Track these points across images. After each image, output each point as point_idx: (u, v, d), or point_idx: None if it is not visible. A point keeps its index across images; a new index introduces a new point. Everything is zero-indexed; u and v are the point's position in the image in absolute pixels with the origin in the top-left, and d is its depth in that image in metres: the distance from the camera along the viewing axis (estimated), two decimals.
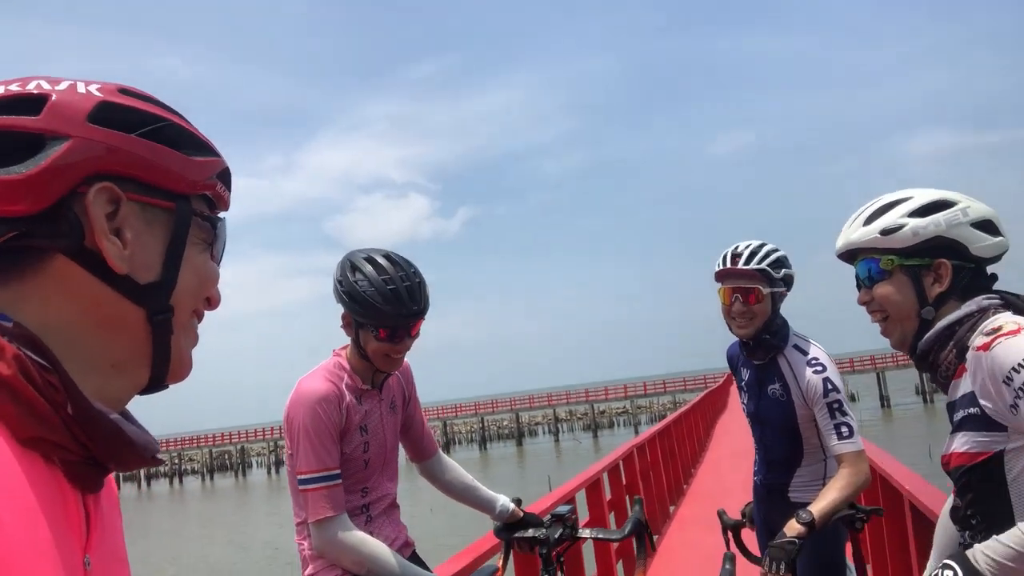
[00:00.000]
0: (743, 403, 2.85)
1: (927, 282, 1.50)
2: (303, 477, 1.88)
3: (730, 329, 2.70)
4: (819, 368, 2.54)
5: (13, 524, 0.50)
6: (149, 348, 0.66)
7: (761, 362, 2.69)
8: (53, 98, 0.62)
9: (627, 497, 6.74)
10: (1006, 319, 1.37)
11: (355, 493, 1.99)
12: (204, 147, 0.71)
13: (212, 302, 0.73)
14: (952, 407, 1.44)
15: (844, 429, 2.44)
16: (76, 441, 0.57)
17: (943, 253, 1.48)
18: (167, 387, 0.70)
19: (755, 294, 2.57)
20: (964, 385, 1.40)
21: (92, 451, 0.59)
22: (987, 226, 1.47)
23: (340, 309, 1.99)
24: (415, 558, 2.10)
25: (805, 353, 2.59)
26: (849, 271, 1.67)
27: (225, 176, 0.74)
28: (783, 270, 2.60)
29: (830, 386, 2.50)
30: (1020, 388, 1.26)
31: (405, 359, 2.10)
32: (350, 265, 1.94)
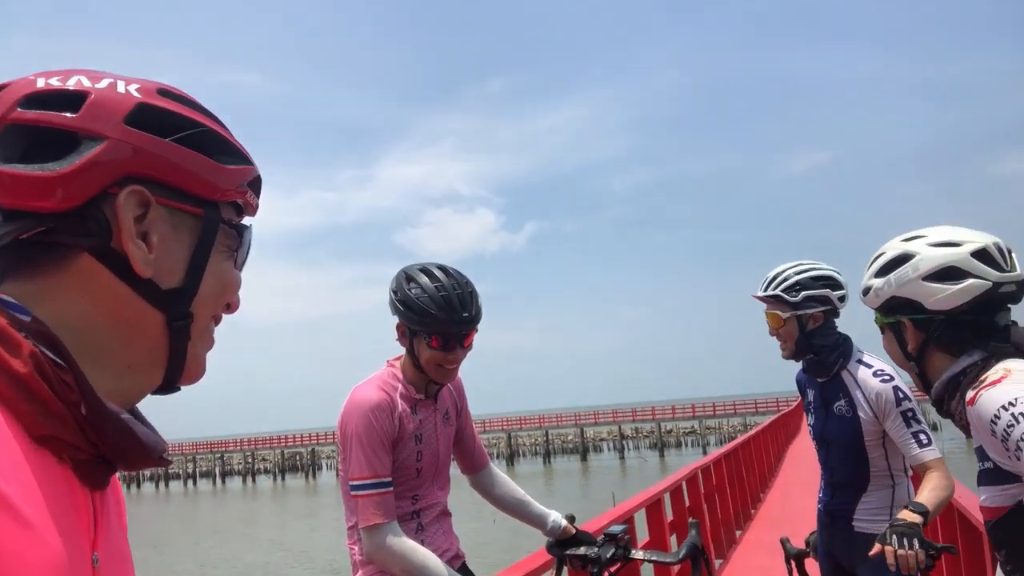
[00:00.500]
0: (810, 425, 2.79)
1: (905, 336, 1.53)
2: (355, 483, 1.91)
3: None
4: (887, 378, 2.51)
5: (29, 520, 0.50)
6: (165, 352, 0.66)
7: (824, 380, 2.66)
8: (92, 96, 0.62)
9: (690, 519, 6.58)
10: (998, 368, 1.33)
11: (406, 500, 2.01)
12: (237, 154, 0.71)
13: (232, 307, 0.73)
14: (977, 455, 1.41)
15: (923, 437, 2.40)
16: (87, 440, 0.58)
17: (903, 310, 1.50)
18: (179, 389, 0.70)
19: (775, 319, 2.64)
20: (976, 437, 1.37)
21: (102, 450, 0.59)
22: (947, 274, 1.43)
23: (395, 320, 2.03)
24: (464, 570, 2.10)
25: (870, 367, 2.57)
26: None
27: (256, 184, 0.74)
28: (803, 292, 2.59)
29: (901, 395, 2.47)
30: (1005, 430, 1.21)
31: (458, 373, 2.13)
32: (405, 276, 1.99)
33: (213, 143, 0.68)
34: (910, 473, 2.61)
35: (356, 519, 1.93)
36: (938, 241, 1.47)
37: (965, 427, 1.42)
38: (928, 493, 2.23)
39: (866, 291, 1.58)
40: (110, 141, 0.61)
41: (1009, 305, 1.44)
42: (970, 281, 1.41)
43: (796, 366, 2.85)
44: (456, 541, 2.13)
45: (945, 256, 1.44)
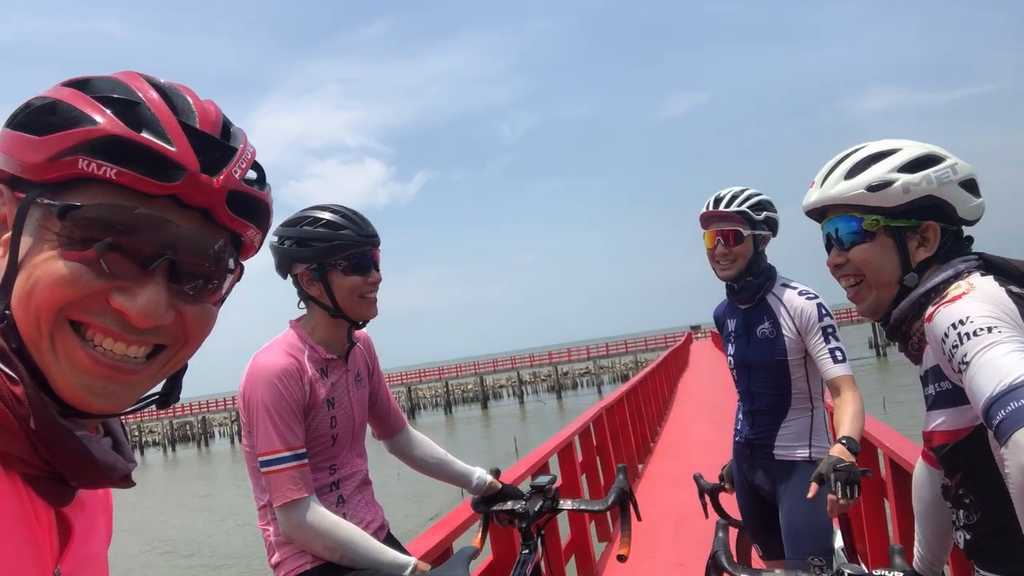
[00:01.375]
0: (729, 356, 2.82)
1: (912, 246, 1.37)
2: (265, 459, 1.73)
3: (715, 272, 2.73)
4: (812, 295, 2.61)
5: None
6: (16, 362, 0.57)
7: (748, 305, 2.71)
8: None
9: (598, 459, 6.74)
10: (962, 283, 1.26)
11: (323, 471, 1.85)
12: (56, 121, 0.60)
13: (130, 316, 0.59)
14: (924, 379, 1.35)
15: (838, 354, 2.50)
16: (39, 456, 0.56)
17: (931, 214, 1.35)
18: (88, 415, 0.61)
19: (735, 235, 2.63)
20: (929, 357, 1.31)
21: (55, 467, 0.57)
22: (971, 186, 1.37)
23: (293, 277, 1.88)
24: (390, 539, 1.97)
25: (795, 288, 2.65)
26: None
27: (112, 145, 0.60)
28: (764, 212, 2.65)
29: (824, 311, 2.57)
30: (951, 348, 1.16)
31: (366, 330, 2.02)
32: (292, 220, 1.87)
33: (30, 116, 0.61)
34: (824, 400, 2.69)
35: (268, 497, 1.75)
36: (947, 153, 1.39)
37: (916, 354, 1.37)
38: (850, 424, 2.28)
39: (879, 186, 1.37)
40: None
41: None
42: (981, 200, 1.37)
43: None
44: (380, 511, 1.99)
45: (970, 168, 1.37)
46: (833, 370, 2.46)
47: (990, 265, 1.32)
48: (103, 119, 0.60)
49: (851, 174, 1.41)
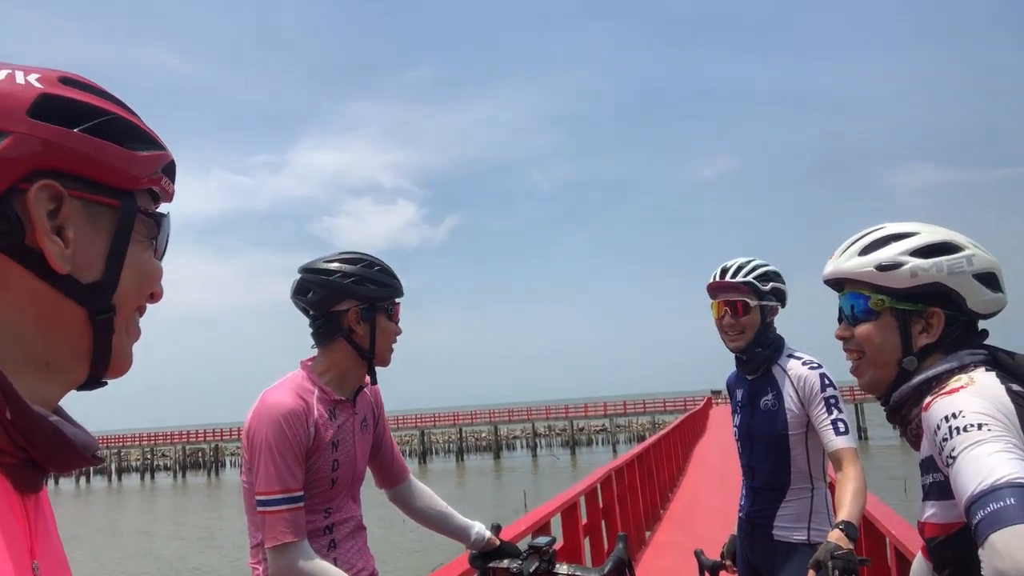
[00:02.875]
0: (735, 426, 2.81)
1: (915, 330, 1.37)
2: (262, 498, 1.76)
3: (724, 343, 2.73)
4: (815, 365, 2.59)
5: None
6: (88, 347, 0.64)
7: (754, 376, 2.70)
8: None
9: (603, 522, 6.63)
10: (963, 377, 1.26)
11: (318, 513, 1.87)
12: (149, 140, 0.68)
13: (155, 297, 0.72)
14: (921, 468, 1.34)
15: (841, 425, 2.46)
16: (14, 444, 0.56)
17: (938, 301, 1.36)
18: (105, 384, 0.69)
19: (743, 306, 2.63)
20: (925, 447, 1.30)
21: (31, 454, 0.58)
22: (989, 279, 1.35)
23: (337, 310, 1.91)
24: None
25: (799, 358, 2.63)
26: (827, 299, 1.54)
27: (170, 169, 0.72)
28: (771, 283, 2.66)
29: (827, 382, 2.54)
30: (941, 442, 1.16)
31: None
32: (346, 259, 1.94)
33: (123, 130, 0.66)
34: (828, 480, 2.65)
35: (262, 536, 1.78)
36: (972, 242, 1.38)
37: (917, 438, 1.37)
38: (850, 506, 2.24)
39: (889, 267, 1.38)
40: (15, 136, 0.59)
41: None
42: (1001, 295, 1.36)
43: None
44: (371, 559, 2.00)
45: (992, 261, 1.36)
46: (835, 442, 2.43)
47: (996, 361, 1.31)
48: (166, 146, 0.71)
49: (865, 251, 1.42)
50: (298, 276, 1.94)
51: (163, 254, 0.73)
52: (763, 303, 2.64)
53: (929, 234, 1.39)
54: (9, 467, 0.57)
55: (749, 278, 2.64)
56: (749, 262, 2.69)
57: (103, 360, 0.66)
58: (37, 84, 0.61)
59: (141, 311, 0.70)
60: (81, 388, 0.67)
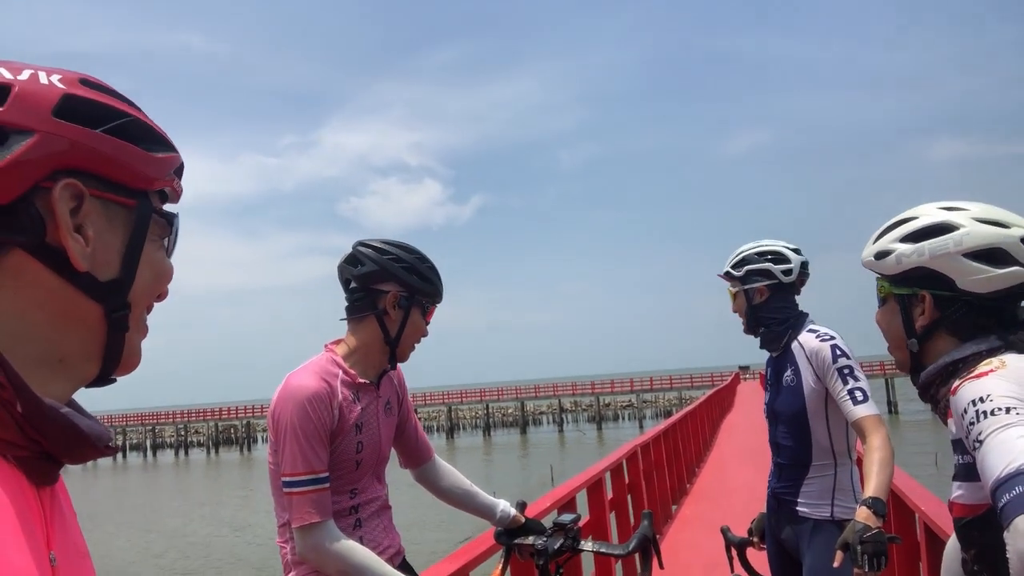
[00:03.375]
0: (765, 404, 2.81)
1: (915, 313, 1.41)
2: (288, 479, 1.79)
3: None
4: (827, 337, 2.57)
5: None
6: (102, 343, 0.66)
7: (777, 353, 2.73)
8: (16, 89, 0.60)
9: (629, 497, 6.65)
10: (992, 360, 1.25)
11: (344, 494, 1.89)
12: (164, 142, 0.70)
13: (162, 296, 0.73)
14: (953, 447, 1.35)
15: (859, 393, 2.42)
16: (27, 437, 0.57)
17: (928, 284, 1.38)
18: (114, 381, 0.70)
19: (730, 294, 2.78)
20: (953, 429, 1.31)
21: (44, 446, 0.59)
22: (989, 255, 1.32)
23: (381, 289, 1.94)
24: (404, 566, 2.01)
25: (814, 332, 2.62)
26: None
27: (180, 170, 0.73)
28: (745, 267, 2.70)
29: (839, 352, 2.51)
30: (969, 425, 1.16)
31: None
32: (404, 247, 1.97)
33: (140, 132, 0.67)
34: (853, 456, 2.63)
35: (288, 516, 1.81)
36: (985, 218, 1.36)
37: (946, 417, 1.36)
38: (876, 479, 2.19)
39: (882, 255, 1.44)
40: (40, 134, 0.60)
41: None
42: (1014, 268, 1.32)
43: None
44: (397, 537, 2.03)
45: (995, 236, 1.33)
46: (855, 411, 2.39)
47: (1012, 345, 1.30)
48: (175, 147, 0.72)
49: (875, 240, 1.47)
50: (352, 248, 1.97)
51: (172, 252, 0.74)
52: (745, 287, 2.70)
53: (926, 217, 1.40)
54: (23, 460, 0.58)
55: (727, 268, 2.76)
56: (739, 251, 2.76)
57: (115, 357, 0.67)
58: (60, 84, 0.63)
59: (148, 309, 0.72)
60: (90, 385, 0.68)
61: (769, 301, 2.67)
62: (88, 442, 0.61)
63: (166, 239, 0.72)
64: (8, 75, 0.61)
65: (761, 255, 2.69)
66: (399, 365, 2.07)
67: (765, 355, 2.93)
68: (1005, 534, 1.00)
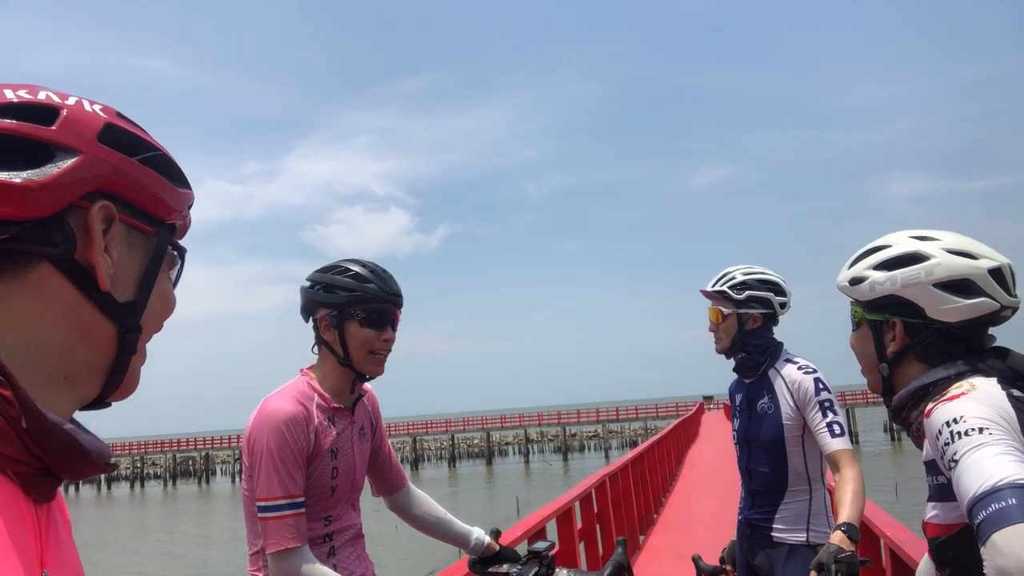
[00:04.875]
0: (733, 431, 2.84)
1: (886, 339, 1.46)
2: (263, 504, 1.76)
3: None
4: (810, 370, 2.64)
5: None
6: (108, 364, 0.67)
7: (751, 380, 2.76)
8: (65, 112, 0.64)
9: (598, 527, 6.64)
10: (963, 383, 1.29)
11: (318, 521, 1.87)
12: (184, 178, 0.74)
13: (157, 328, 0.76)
14: (926, 469, 1.39)
15: (836, 427, 2.50)
16: (30, 454, 0.58)
17: (900, 311, 1.43)
18: (110, 405, 0.71)
19: (718, 314, 2.76)
20: (927, 450, 1.34)
21: (46, 462, 0.59)
22: (958, 287, 1.37)
23: (313, 321, 1.94)
24: None
25: (795, 363, 2.68)
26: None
27: (191, 207, 0.77)
28: (747, 292, 2.72)
29: (821, 385, 2.58)
30: (943, 446, 1.20)
31: (370, 387, 2.06)
32: (324, 269, 1.95)
33: (166, 166, 0.71)
34: (826, 483, 2.68)
35: (263, 542, 1.78)
36: (955, 249, 1.40)
37: (919, 440, 1.40)
38: (850, 508, 2.26)
39: (856, 281, 1.48)
40: (85, 155, 0.63)
41: (991, 326, 1.42)
42: (981, 299, 1.36)
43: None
44: (371, 566, 2.00)
45: (964, 267, 1.37)
46: (831, 444, 2.46)
47: (979, 372, 1.34)
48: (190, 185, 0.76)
49: (850, 265, 1.52)
50: None
51: (176, 286, 0.77)
52: (740, 311, 2.72)
53: (899, 246, 1.45)
54: (22, 476, 0.58)
55: (724, 288, 2.75)
56: (733, 270, 2.78)
57: (117, 378, 0.68)
58: (102, 114, 0.67)
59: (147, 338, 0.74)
60: (84, 408, 0.69)
61: (759, 329, 2.73)
62: (88, 458, 0.62)
63: (174, 272, 0.75)
64: (57, 99, 0.65)
65: (763, 283, 2.73)
66: (374, 394, 2.06)
67: (726, 386, 2.99)
68: (982, 550, 1.03)
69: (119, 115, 0.70)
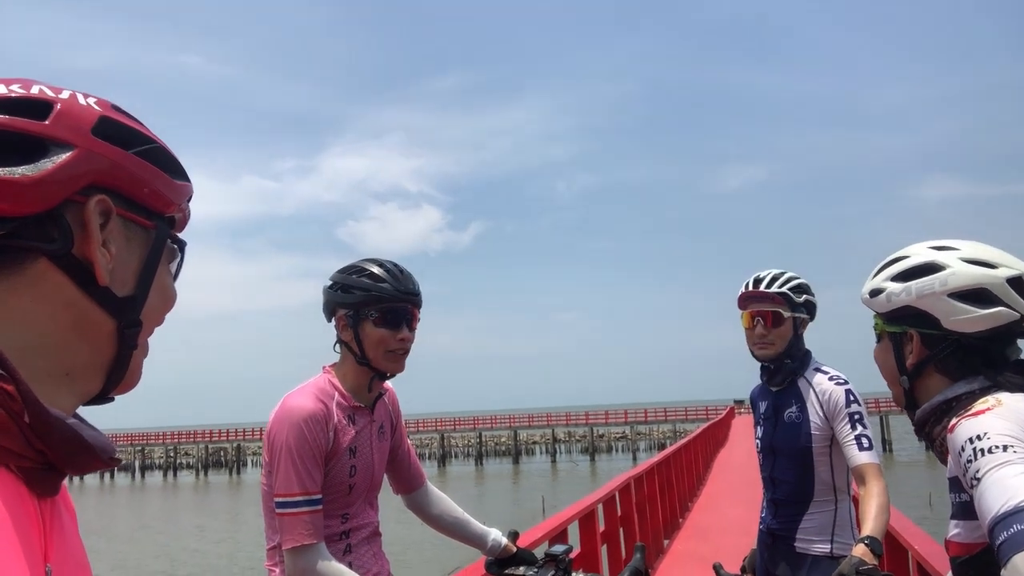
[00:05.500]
0: (757, 440, 2.80)
1: (906, 351, 1.43)
2: (281, 500, 1.78)
3: (752, 354, 2.73)
4: (841, 381, 2.59)
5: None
6: (109, 359, 0.67)
7: (779, 388, 2.70)
8: (59, 106, 0.63)
9: (621, 530, 6.60)
10: (988, 398, 1.26)
11: (335, 519, 1.88)
12: (182, 171, 0.74)
13: (159, 321, 0.75)
14: (949, 485, 1.35)
15: (865, 440, 2.46)
16: (32, 448, 0.58)
17: (916, 323, 1.40)
18: (112, 400, 0.71)
19: (775, 317, 2.63)
20: (951, 467, 1.31)
21: (49, 457, 0.59)
22: (975, 296, 1.33)
23: (335, 321, 1.96)
24: None
25: (826, 373, 2.63)
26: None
27: (190, 198, 0.77)
28: (804, 296, 2.67)
29: (852, 397, 2.53)
30: (966, 463, 1.17)
31: (391, 385, 2.07)
32: (342, 269, 1.97)
33: (164, 159, 0.71)
34: (851, 493, 2.63)
35: (279, 538, 1.80)
36: (972, 258, 1.37)
37: (943, 455, 1.37)
38: (874, 521, 2.22)
39: (875, 293, 1.47)
40: (80, 149, 0.63)
41: (1020, 339, 1.38)
42: (999, 308, 1.33)
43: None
44: (387, 564, 2.01)
45: (980, 276, 1.35)
46: (858, 457, 2.42)
47: (1000, 386, 1.30)
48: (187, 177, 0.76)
49: (872, 277, 1.50)
50: None
51: (176, 279, 0.76)
52: (796, 315, 2.65)
53: (917, 256, 1.43)
54: (26, 470, 0.58)
55: (784, 289, 2.64)
56: (783, 273, 2.70)
57: (119, 374, 0.68)
58: (96, 107, 0.66)
59: (149, 332, 0.74)
60: (89, 403, 0.69)
61: (802, 336, 2.69)
62: (92, 453, 0.62)
63: (173, 265, 0.74)
64: (51, 93, 0.64)
65: (809, 289, 2.68)
66: (395, 392, 2.07)
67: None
68: (1002, 572, 1.00)
69: (115, 108, 0.69)
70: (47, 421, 0.58)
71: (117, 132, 0.66)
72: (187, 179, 0.74)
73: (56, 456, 0.60)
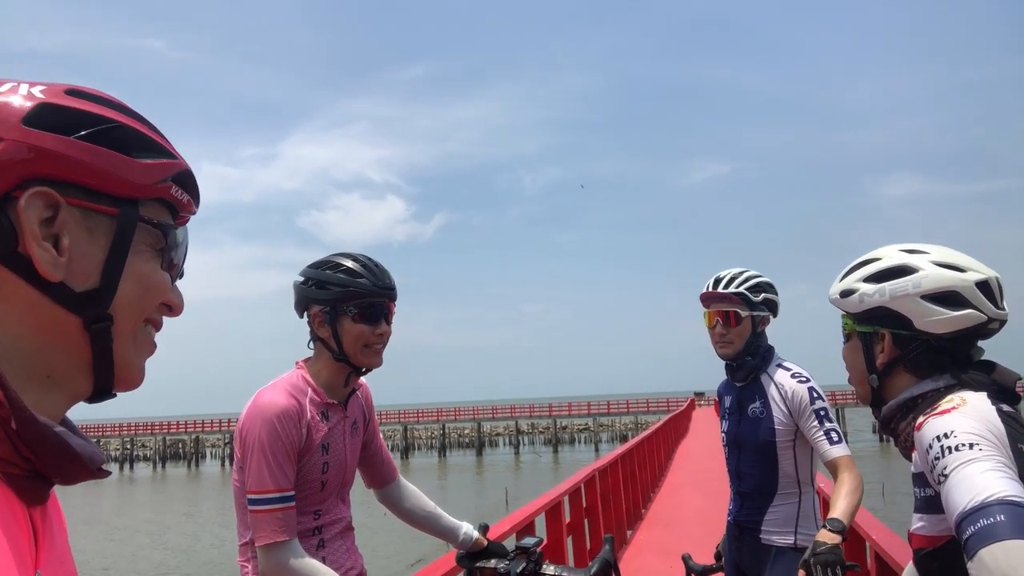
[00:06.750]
0: (723, 433, 2.85)
1: (876, 350, 1.48)
2: (254, 497, 1.76)
3: (715, 350, 2.78)
4: (803, 379, 2.64)
5: None
6: (88, 358, 0.64)
7: (743, 383, 2.75)
8: None
9: (586, 521, 6.66)
10: (954, 397, 1.31)
11: (307, 515, 1.87)
12: (157, 149, 0.69)
13: (174, 310, 0.72)
14: (913, 480, 1.41)
15: (834, 435, 2.52)
16: (19, 455, 0.57)
17: (889, 323, 1.45)
18: (115, 396, 0.69)
19: (734, 316, 2.69)
20: (916, 462, 1.36)
21: (36, 465, 0.58)
22: (945, 298, 1.39)
23: (307, 317, 1.93)
24: None
25: (788, 369, 2.68)
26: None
27: (183, 179, 0.71)
28: (763, 294, 2.71)
29: (815, 394, 2.59)
30: (933, 460, 1.21)
31: (364, 381, 2.06)
32: (316, 263, 1.94)
33: (128, 139, 0.66)
34: (816, 485, 2.70)
35: (252, 534, 1.78)
36: (943, 262, 1.42)
37: (908, 451, 1.42)
38: (842, 502, 2.27)
39: (846, 294, 1.51)
40: (6, 143, 0.60)
41: (982, 340, 1.43)
42: (969, 311, 1.39)
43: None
44: (359, 559, 2.01)
45: (951, 280, 1.40)
46: (831, 451, 2.48)
47: (965, 384, 1.36)
48: (179, 155, 0.71)
49: (841, 278, 1.54)
50: None
51: (181, 265, 0.73)
52: (754, 313, 2.69)
53: (889, 259, 1.47)
54: (14, 478, 0.57)
55: (741, 289, 2.69)
56: (742, 273, 2.74)
57: (106, 371, 0.65)
58: (39, 95, 0.62)
59: (156, 325, 0.70)
60: (90, 400, 0.67)
61: (763, 333, 2.74)
62: (80, 462, 0.61)
63: (164, 250, 0.70)
64: None
65: (770, 287, 2.73)
66: (368, 387, 2.06)
67: (717, 382, 2.99)
68: (969, 565, 1.04)
69: (71, 92, 0.65)
70: (34, 428, 0.57)
71: (59, 119, 0.62)
72: (167, 156, 0.69)
73: (42, 464, 0.58)
